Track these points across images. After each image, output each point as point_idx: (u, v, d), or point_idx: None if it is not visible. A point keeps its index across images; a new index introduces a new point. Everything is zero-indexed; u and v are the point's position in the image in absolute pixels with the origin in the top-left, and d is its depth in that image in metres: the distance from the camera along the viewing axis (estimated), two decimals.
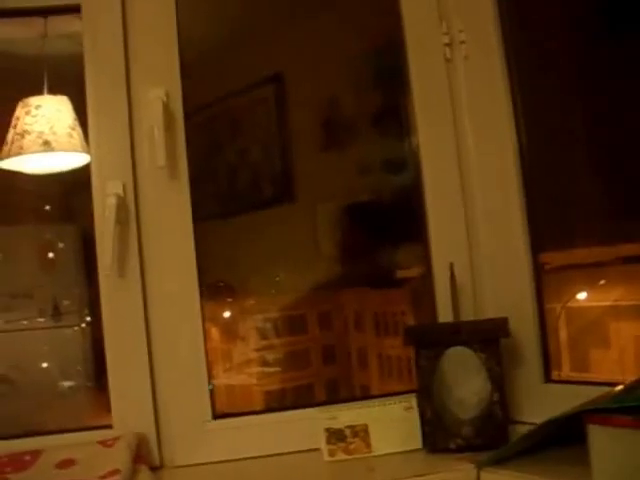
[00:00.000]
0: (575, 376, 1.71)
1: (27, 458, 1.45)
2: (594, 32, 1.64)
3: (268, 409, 1.92)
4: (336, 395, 2.45)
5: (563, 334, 1.71)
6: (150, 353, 1.56)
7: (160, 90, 1.57)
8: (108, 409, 1.58)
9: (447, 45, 1.65)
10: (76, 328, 2.32)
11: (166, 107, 1.56)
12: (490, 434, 1.43)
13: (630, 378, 1.63)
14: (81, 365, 2.29)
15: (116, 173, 1.57)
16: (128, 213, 1.56)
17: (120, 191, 1.55)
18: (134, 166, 1.58)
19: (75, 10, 1.59)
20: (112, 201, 1.52)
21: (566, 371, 1.68)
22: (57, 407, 2.18)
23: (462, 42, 1.64)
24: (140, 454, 1.48)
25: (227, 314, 2.36)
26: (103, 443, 1.48)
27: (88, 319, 2.35)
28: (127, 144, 1.58)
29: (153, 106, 1.55)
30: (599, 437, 1.16)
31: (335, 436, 1.50)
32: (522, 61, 1.64)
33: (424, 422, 1.49)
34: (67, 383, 2.28)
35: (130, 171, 1.57)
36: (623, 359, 1.69)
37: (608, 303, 1.75)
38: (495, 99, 1.63)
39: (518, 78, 1.63)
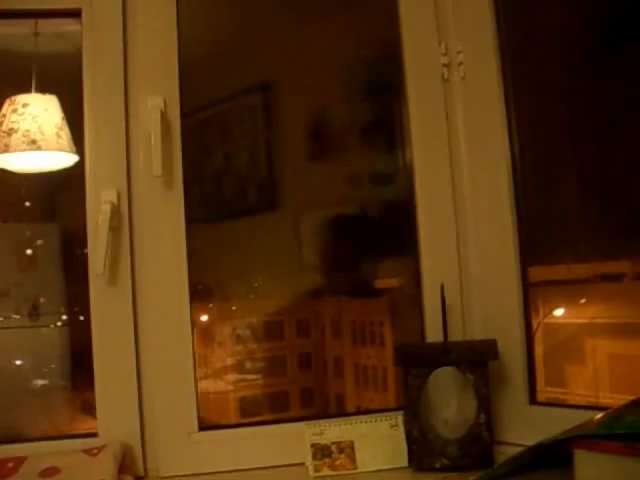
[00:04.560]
0: (550, 391, 1.72)
1: (10, 465, 1.44)
2: (590, 57, 1.66)
3: (254, 423, 1.91)
4: (310, 403, 2.45)
5: (539, 349, 1.73)
6: (138, 362, 1.55)
7: (158, 99, 1.56)
8: (84, 409, 1.57)
9: (445, 65, 1.67)
10: (53, 327, 2.29)
11: (164, 116, 1.55)
12: (476, 455, 1.45)
13: (604, 395, 1.67)
14: (58, 364, 2.27)
15: (111, 180, 1.56)
16: (121, 221, 1.55)
17: (114, 199, 1.54)
18: (129, 174, 1.57)
19: (75, 14, 1.57)
20: (106, 209, 1.50)
21: (541, 385, 1.70)
22: (33, 406, 2.16)
23: (460, 63, 1.66)
24: (125, 464, 1.47)
25: (204, 317, 2.35)
26: (88, 452, 1.46)
27: (64, 317, 2.33)
28: (123, 151, 1.56)
29: (151, 115, 1.54)
30: (585, 462, 1.18)
31: (321, 452, 1.51)
32: (519, 84, 1.66)
33: (410, 440, 1.50)
34: (44, 382, 2.26)
35: (125, 179, 1.56)
36: (598, 376, 1.72)
37: (585, 320, 1.77)
38: (490, 120, 1.65)
39: (514, 100, 1.65)
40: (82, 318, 2.12)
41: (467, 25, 1.66)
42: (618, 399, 1.53)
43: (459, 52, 1.66)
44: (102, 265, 1.49)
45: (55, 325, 2.32)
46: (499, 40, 1.64)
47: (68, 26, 1.73)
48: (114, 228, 1.53)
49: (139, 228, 1.57)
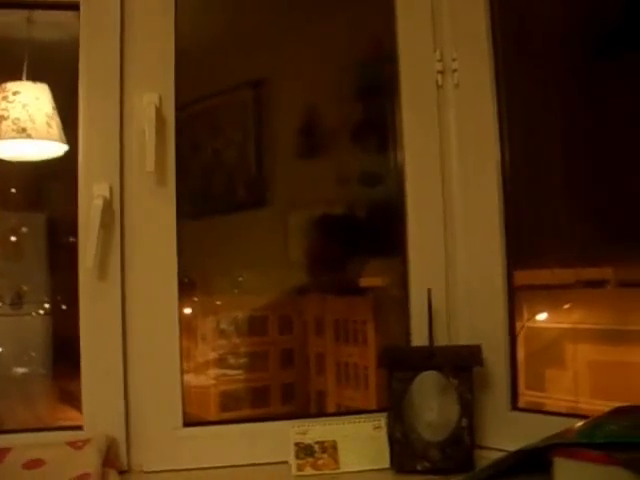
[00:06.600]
0: (530, 394, 1.74)
1: None
2: (585, 67, 1.67)
3: (238, 420, 1.91)
4: (291, 399, 2.46)
5: (521, 353, 1.74)
6: (125, 357, 1.56)
7: (154, 95, 1.56)
8: (65, 399, 1.57)
9: (439, 72, 1.68)
10: (35, 315, 2.28)
11: (159, 112, 1.55)
12: (457, 459, 1.47)
13: (584, 400, 1.69)
14: (40, 353, 2.26)
15: (103, 175, 1.56)
16: (113, 216, 1.55)
17: (107, 193, 1.53)
18: (122, 169, 1.57)
19: (73, 8, 1.56)
20: (99, 203, 1.50)
21: (522, 388, 1.72)
22: (14, 394, 2.16)
23: (454, 70, 1.67)
24: (109, 458, 1.47)
25: (188, 310, 2.34)
26: (72, 445, 1.47)
27: (47, 306, 2.32)
28: (116, 146, 1.57)
29: (146, 111, 1.54)
30: (565, 470, 1.20)
31: (304, 451, 1.52)
32: (512, 92, 1.68)
33: (393, 442, 1.51)
34: (25, 370, 2.25)
35: (117, 173, 1.56)
36: (578, 381, 1.74)
37: (568, 325, 1.79)
38: (482, 127, 1.66)
39: (507, 108, 1.66)
40: (65, 307, 2.12)
41: (462, 33, 1.68)
42: (598, 405, 1.56)
43: (454, 59, 1.68)
44: (92, 261, 1.49)
45: (37, 313, 2.31)
46: (494, 48, 1.66)
47: (62, 15, 1.72)
48: (105, 223, 1.52)
49: (130, 223, 1.57)
